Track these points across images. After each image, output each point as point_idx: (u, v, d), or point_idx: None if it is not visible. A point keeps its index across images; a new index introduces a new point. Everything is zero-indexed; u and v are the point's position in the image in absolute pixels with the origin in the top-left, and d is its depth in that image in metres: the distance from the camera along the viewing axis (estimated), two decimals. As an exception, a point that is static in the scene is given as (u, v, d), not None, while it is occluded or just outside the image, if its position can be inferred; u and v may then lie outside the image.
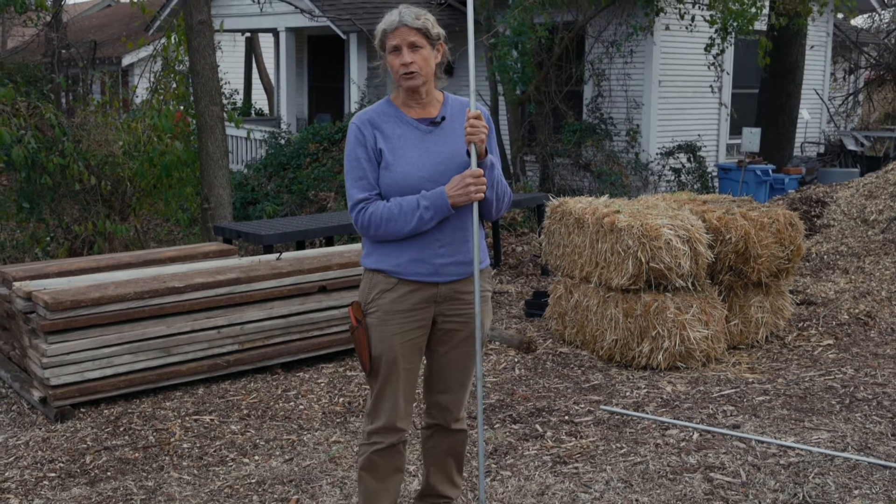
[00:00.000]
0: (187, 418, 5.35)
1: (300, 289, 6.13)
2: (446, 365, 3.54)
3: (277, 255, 6.61)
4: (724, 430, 4.89)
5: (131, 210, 9.14)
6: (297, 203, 11.54)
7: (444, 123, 3.44)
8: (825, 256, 8.39)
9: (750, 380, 5.86)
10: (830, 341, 6.64)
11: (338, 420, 5.36)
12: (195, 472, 4.66)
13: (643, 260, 5.97)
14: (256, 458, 4.84)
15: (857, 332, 6.81)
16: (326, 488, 4.45)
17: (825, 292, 7.68)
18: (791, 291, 7.10)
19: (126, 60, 21.19)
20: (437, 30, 3.39)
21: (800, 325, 7.02)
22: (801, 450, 4.59)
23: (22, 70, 15.47)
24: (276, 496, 4.39)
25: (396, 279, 3.41)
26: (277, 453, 4.90)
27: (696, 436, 4.90)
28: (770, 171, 12.14)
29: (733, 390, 5.66)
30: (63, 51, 17.08)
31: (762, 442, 4.72)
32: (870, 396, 5.44)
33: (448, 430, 3.66)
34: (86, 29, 23.41)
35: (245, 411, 5.47)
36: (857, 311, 7.21)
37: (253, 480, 4.56)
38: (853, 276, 7.97)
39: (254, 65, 22.46)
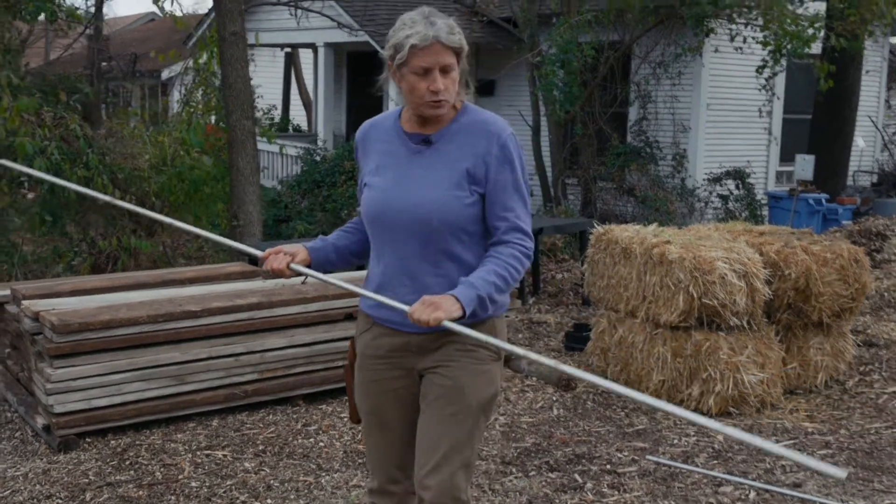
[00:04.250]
0: (198, 453, 4.97)
1: (326, 315, 5.75)
2: (421, 423, 2.96)
3: (303, 278, 6.23)
4: (786, 490, 4.42)
5: (159, 225, 8.82)
6: (330, 222, 11.19)
7: (439, 144, 2.88)
8: (886, 294, 7.88)
9: (810, 430, 5.38)
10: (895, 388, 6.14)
11: (360, 460, 4.95)
12: (202, 516, 4.28)
13: (695, 295, 5.53)
14: (269, 501, 4.44)
15: (924, 379, 6.30)
16: (343, 540, 4.05)
17: (887, 333, 7.17)
18: (851, 332, 6.59)
19: (165, 74, 21.08)
20: (465, 44, 2.85)
21: (861, 368, 6.52)
22: (874, 517, 4.12)
23: (63, 81, 15.33)
24: (288, 547, 4.00)
25: (372, 320, 3.02)
26: (292, 497, 4.50)
27: (752, 494, 4.43)
28: (823, 201, 11.61)
29: (792, 442, 5.19)
30: (104, 63, 16.95)
31: (828, 505, 4.25)
32: (944, 454, 4.94)
33: (421, 496, 2.95)
34: (128, 42, 23.39)
35: (261, 447, 5.08)
36: (923, 355, 6.69)
37: (264, 528, 4.17)
38: (917, 316, 7.45)
39: (293, 80, 22.24)
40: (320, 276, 3.00)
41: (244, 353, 5.45)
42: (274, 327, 5.56)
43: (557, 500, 4.45)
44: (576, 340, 7.17)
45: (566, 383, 6.27)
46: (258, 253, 3.05)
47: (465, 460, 2.90)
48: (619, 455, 5.05)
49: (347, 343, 5.84)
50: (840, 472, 1.96)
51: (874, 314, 7.62)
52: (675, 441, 5.25)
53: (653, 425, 5.52)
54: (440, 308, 2.68)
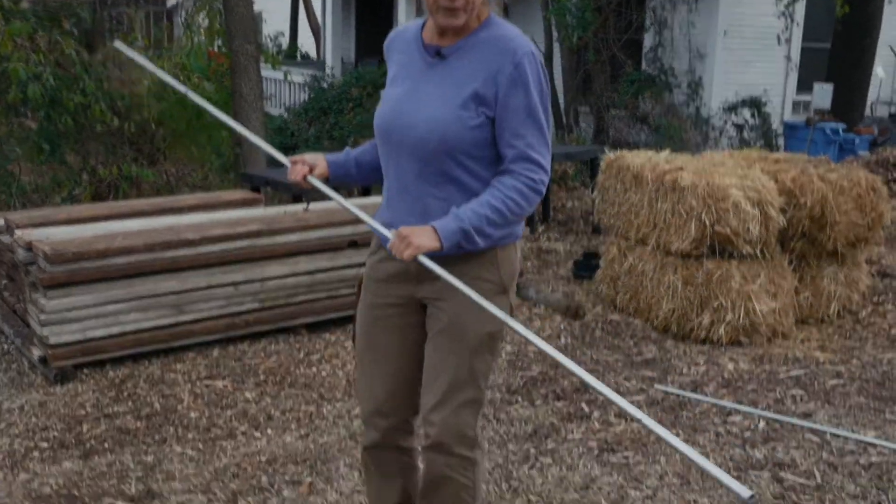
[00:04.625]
0: (198, 383, 4.89)
1: (329, 243, 5.62)
2: (425, 357, 2.82)
3: (305, 205, 6.10)
4: (795, 420, 4.32)
5: (161, 154, 8.68)
6: (337, 150, 11.01)
7: (453, 58, 2.67)
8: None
9: (821, 360, 5.26)
10: (910, 318, 6.00)
11: (363, 390, 4.87)
12: (200, 446, 4.20)
13: (707, 223, 5.37)
14: (269, 431, 4.37)
15: (940, 309, 6.16)
16: (344, 471, 3.97)
17: (903, 263, 7.01)
18: (865, 262, 6.43)
19: (171, 0, 20.73)
20: None
21: (875, 298, 6.38)
22: (884, 448, 4.00)
23: (65, 8, 15.04)
24: (287, 477, 3.92)
25: (380, 242, 2.86)
26: (293, 427, 4.42)
27: (762, 424, 4.33)
28: (840, 131, 11.35)
29: (803, 371, 5.08)
30: (107, -11, 16.63)
31: (838, 436, 4.14)
32: (959, 385, 4.82)
33: (424, 444, 2.84)
34: (133, -32, 22.96)
35: (262, 377, 5.00)
36: (939, 285, 6.54)
37: (263, 458, 4.09)
38: (934, 247, 7.27)
39: (301, 6, 21.85)
40: (329, 190, 2.84)
41: (244, 281, 5.35)
42: (275, 255, 5.44)
43: (563, 430, 4.37)
44: (585, 269, 7.04)
45: (575, 311, 6.16)
46: (285, 160, 2.91)
47: (469, 397, 2.75)
48: (627, 384, 4.95)
49: (351, 272, 5.75)
50: (745, 493, 1.85)
51: (889, 245, 7.45)
52: (684, 370, 5.15)
53: (661, 354, 5.42)
54: (414, 241, 2.53)
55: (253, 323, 5.42)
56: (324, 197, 2.89)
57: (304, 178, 2.84)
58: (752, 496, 1.82)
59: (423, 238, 2.54)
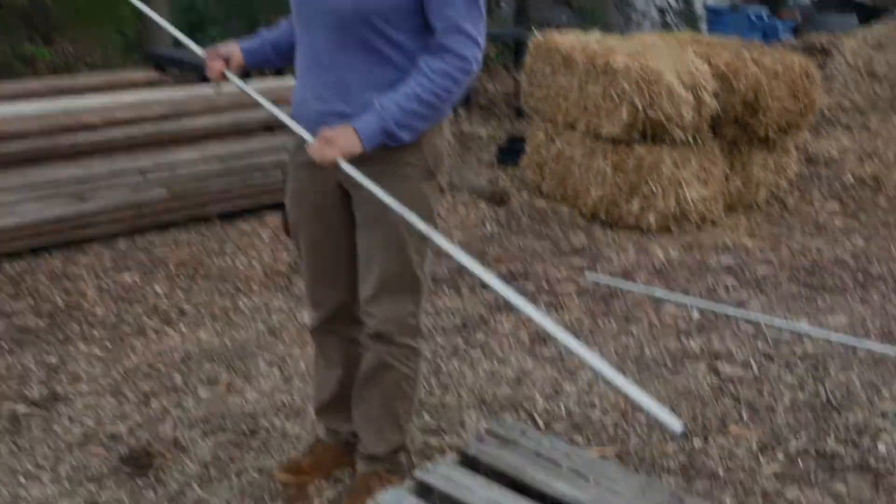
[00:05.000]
0: (104, 278, 4.58)
1: (240, 126, 5.30)
2: (358, 248, 2.63)
3: (215, 86, 5.69)
4: (730, 310, 4.23)
5: (57, 31, 8.08)
6: (247, 30, 10.47)
7: None
8: (827, 111, 7.61)
9: (751, 247, 5.18)
10: (836, 206, 5.97)
11: (281, 282, 4.63)
12: (108, 344, 3.93)
13: (640, 107, 5.18)
14: (182, 327, 4.11)
15: (863, 198, 6.13)
16: (264, 368, 3.76)
17: (827, 150, 6.96)
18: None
19: None
20: None
21: (801, 185, 6.32)
22: (819, 337, 3.94)
23: None
24: (203, 376, 3.69)
25: (292, 116, 2.63)
26: (208, 322, 4.17)
27: (696, 314, 4.23)
28: (764, 16, 11.21)
29: (733, 259, 4.99)
30: None
31: (773, 326, 4.07)
32: (885, 273, 4.79)
33: (367, 335, 2.68)
34: None
35: (172, 270, 4.71)
36: (862, 173, 6.51)
37: (177, 356, 3.84)
38: (858, 135, 7.24)
39: None
40: (248, 88, 2.68)
41: (151, 168, 4.99)
42: (184, 140, 5.10)
43: (493, 321, 4.21)
44: (509, 154, 6.82)
45: (500, 198, 5.98)
46: (200, 51, 2.78)
47: (407, 285, 2.59)
48: (557, 273, 4.80)
49: (266, 159, 5.44)
50: (677, 426, 1.69)
51: (814, 131, 7.38)
52: (614, 258, 5.02)
53: (590, 242, 5.28)
54: (335, 145, 2.33)
55: (162, 212, 5.09)
56: (239, 76, 2.70)
57: (222, 74, 2.67)
58: (682, 431, 1.66)
59: (345, 139, 2.34)
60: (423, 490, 2.88)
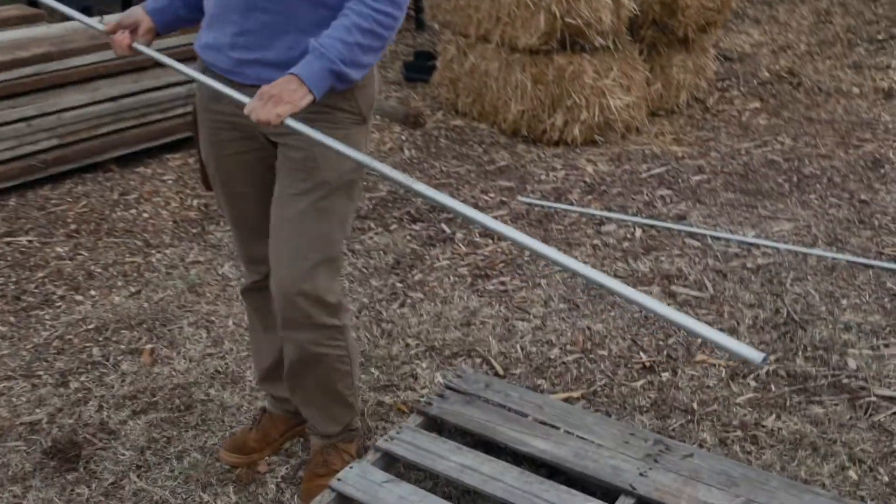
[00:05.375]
0: (-3, 242, 4.17)
1: (132, 63, 4.83)
2: (272, 206, 2.32)
3: (99, 18, 5.20)
4: (672, 225, 4.07)
5: None
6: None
7: None
8: (735, 4, 7.46)
9: (679, 154, 5.03)
10: (757, 104, 5.85)
11: (194, 230, 4.28)
12: (11, 319, 3.56)
13: (557, 14, 4.92)
14: (93, 293, 3.75)
15: (782, 93, 6.03)
16: (189, 331, 3.45)
17: (740, 46, 6.84)
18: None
19: None
20: None
21: (719, 84, 6.19)
22: (768, 247, 3.82)
23: None
24: (123, 347, 3.37)
25: (203, 63, 2.31)
26: (120, 284, 3.82)
27: (638, 232, 4.07)
28: None
29: (664, 168, 4.83)
30: None
31: (719, 238, 3.93)
32: (818, 172, 4.70)
33: (278, 305, 2.34)
34: None
35: (73, 226, 4.31)
36: (777, 67, 6.41)
37: (91, 326, 3.50)
38: (767, 27, 7.13)
39: None
40: (161, 56, 2.34)
41: (36, 115, 4.53)
42: (70, 82, 4.62)
43: (428, 257, 3.97)
44: (418, 70, 6.50)
45: (414, 120, 5.68)
46: (99, 27, 2.41)
47: (326, 254, 2.28)
48: (486, 198, 4.57)
49: (162, 94, 5.01)
50: (757, 357, 1.50)
51: (725, 28, 7.24)
52: (543, 177, 4.81)
53: (515, 160, 5.05)
54: (282, 100, 1.99)
55: (53, 163, 4.65)
56: (120, 7, 2.34)
57: (130, 47, 2.33)
58: (764, 357, 1.48)
59: (291, 92, 2.01)
60: (389, 461, 2.68)
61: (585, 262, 3.80)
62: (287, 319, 2.30)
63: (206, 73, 2.28)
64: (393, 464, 2.57)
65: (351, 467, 2.46)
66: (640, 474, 2.33)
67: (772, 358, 3.03)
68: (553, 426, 2.56)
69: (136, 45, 2.32)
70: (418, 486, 2.56)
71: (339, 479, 2.42)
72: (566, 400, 2.89)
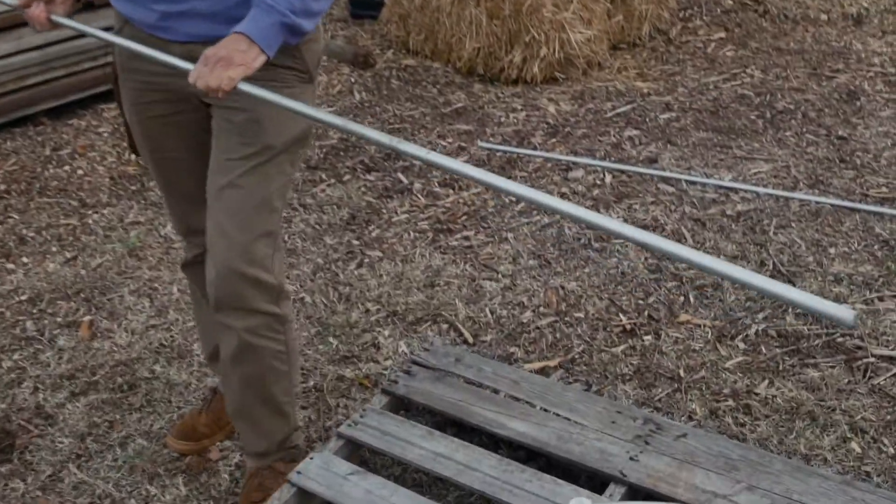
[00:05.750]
0: (-84, 206, 3.84)
1: (57, 5, 4.45)
2: (208, 173, 2.04)
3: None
4: (643, 169, 3.85)
5: None
6: None
7: None
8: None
9: (645, 91, 4.79)
10: (722, 34, 5.61)
11: (133, 188, 3.98)
12: (-66, 294, 3.27)
13: (515, -56, 4.61)
14: (25, 260, 3.46)
15: (748, 21, 5.80)
16: (130, 300, 3.19)
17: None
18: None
19: None
20: None
21: (681, 14, 5.93)
22: (747, 192, 3.62)
23: None
24: (59, 319, 3.10)
25: (123, 18, 2.03)
26: (54, 249, 3.53)
27: (608, 178, 3.84)
28: None
29: (629, 107, 4.60)
30: None
31: (694, 183, 3.72)
32: (791, 107, 4.49)
33: (212, 283, 2.04)
34: None
35: (2, 186, 3.99)
36: (740, -7, 6.16)
37: (23, 297, 3.22)
38: (728, -50, 6.84)
39: None
40: (82, 27, 2.08)
41: (-45, 66, 4.17)
42: (-10, 29, 4.26)
43: (385, 210, 3.72)
44: (364, 6, 6.16)
45: (364, 60, 5.37)
46: (10, 1, 2.11)
47: (266, 224, 2.00)
48: (444, 143, 4.31)
49: (94, 41, 4.65)
50: (849, 317, 1.28)
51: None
52: (503, 119, 4.55)
53: (472, 102, 4.78)
54: (232, 63, 1.72)
55: (-24, 117, 4.31)
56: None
57: (48, 20, 2.04)
58: (855, 316, 1.26)
59: (241, 52, 1.73)
60: (353, 448, 2.46)
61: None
62: (221, 300, 2.02)
63: (126, 28, 2.00)
64: (357, 450, 2.35)
65: (311, 458, 2.24)
66: (631, 458, 2.14)
67: (760, 316, 2.84)
68: (531, 404, 2.35)
69: (53, 17, 2.03)
70: (386, 474, 2.35)
71: (298, 473, 2.19)
72: (542, 370, 2.68)
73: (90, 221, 3.70)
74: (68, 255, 3.49)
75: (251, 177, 1.94)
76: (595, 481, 2.14)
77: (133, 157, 4.17)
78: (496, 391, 2.41)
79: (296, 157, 2.02)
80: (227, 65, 1.71)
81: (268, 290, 2.03)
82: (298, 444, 2.33)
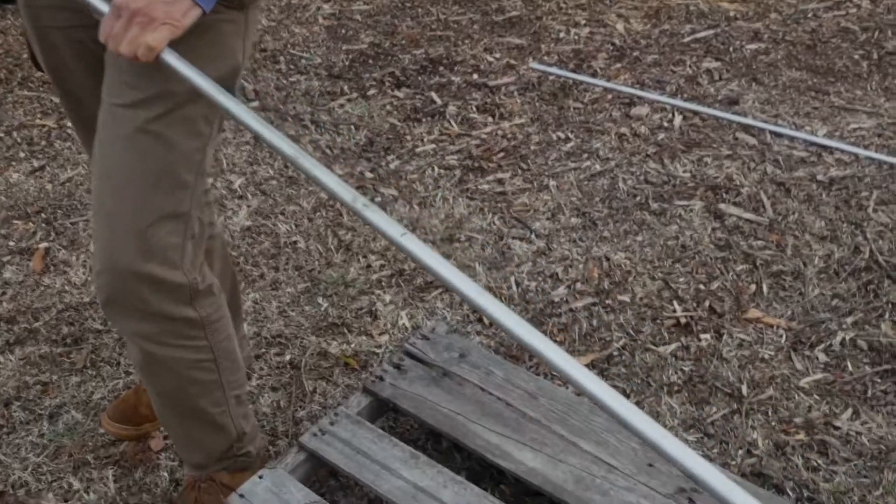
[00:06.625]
0: None
1: None
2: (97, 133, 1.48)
3: None
4: (721, 114, 3.22)
5: None
6: None
7: None
8: None
9: (731, 14, 4.10)
10: (827, -50, 4.84)
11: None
12: None
13: None
14: (-17, 167, 2.99)
15: (858, -64, 5.00)
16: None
17: None
18: None
19: None
20: None
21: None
22: (844, 152, 2.98)
23: None
24: (11, 243, 2.65)
25: None
26: (22, 155, 3.05)
27: (678, 119, 3.22)
28: None
29: (711, 32, 3.92)
30: None
31: (781, 136, 3.08)
32: (903, 44, 3.80)
33: (97, 278, 1.55)
34: None
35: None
36: None
37: (-29, 215, 2.76)
38: None
39: None
40: None
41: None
42: None
43: (409, 136, 3.17)
44: None
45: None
46: None
47: (166, 204, 1.45)
48: (490, 58, 3.71)
49: None
50: None
51: None
52: (562, 34, 3.92)
53: (529, 11, 4.14)
54: (153, 19, 1.21)
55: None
56: None
57: None
58: None
59: (165, 10, 1.21)
60: (316, 465, 1.96)
61: (608, 158, 2.99)
62: (108, 301, 1.49)
63: None
64: (321, 467, 1.85)
65: (261, 477, 1.75)
66: (668, 523, 1.62)
67: (849, 321, 2.26)
68: (549, 429, 1.83)
69: None
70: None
71: (241, 496, 1.71)
72: (570, 368, 2.15)
73: (68, 124, 3.20)
74: (36, 163, 3.00)
75: (144, 136, 1.39)
76: (619, 549, 1.63)
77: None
78: (507, 404, 1.88)
79: (214, 109, 1.44)
80: (147, 22, 1.18)
81: (173, 290, 1.49)
82: (250, 450, 1.84)
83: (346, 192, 1.16)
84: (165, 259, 1.47)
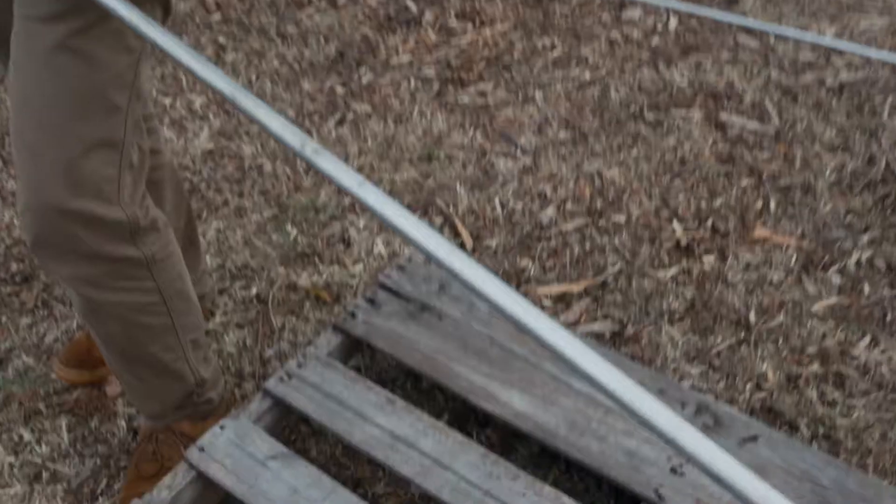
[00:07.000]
0: None
1: None
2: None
3: None
4: (720, 15, 2.98)
5: None
6: None
7: None
8: None
9: None
10: None
11: None
12: None
13: None
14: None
15: None
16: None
17: None
18: None
19: None
20: None
21: None
22: (854, 55, 2.76)
23: None
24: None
25: None
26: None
27: (673, 22, 2.99)
28: None
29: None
30: None
31: (786, 38, 2.86)
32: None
33: (23, 217, 1.38)
34: None
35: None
36: None
37: None
38: None
39: None
40: None
41: None
42: None
43: (383, 46, 2.93)
44: None
45: None
46: None
47: (95, 130, 1.27)
48: (470, -37, 3.44)
49: None
50: None
51: None
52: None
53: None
54: None
55: None
56: None
57: None
58: None
59: None
60: (283, 413, 1.79)
61: (598, 66, 2.77)
62: (40, 242, 1.31)
63: None
64: (287, 415, 1.68)
65: (222, 427, 1.58)
66: (673, 471, 1.46)
67: (865, 238, 2.08)
68: (538, 367, 1.65)
69: None
70: (323, 458, 1.69)
71: (201, 450, 1.54)
72: (562, 297, 1.97)
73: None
74: None
75: (64, 53, 1.18)
76: (621, 501, 1.47)
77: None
78: (492, 340, 1.71)
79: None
80: None
81: (110, 227, 1.30)
82: (211, 396, 1.67)
83: (293, 137, 0.97)
84: (99, 193, 1.28)
